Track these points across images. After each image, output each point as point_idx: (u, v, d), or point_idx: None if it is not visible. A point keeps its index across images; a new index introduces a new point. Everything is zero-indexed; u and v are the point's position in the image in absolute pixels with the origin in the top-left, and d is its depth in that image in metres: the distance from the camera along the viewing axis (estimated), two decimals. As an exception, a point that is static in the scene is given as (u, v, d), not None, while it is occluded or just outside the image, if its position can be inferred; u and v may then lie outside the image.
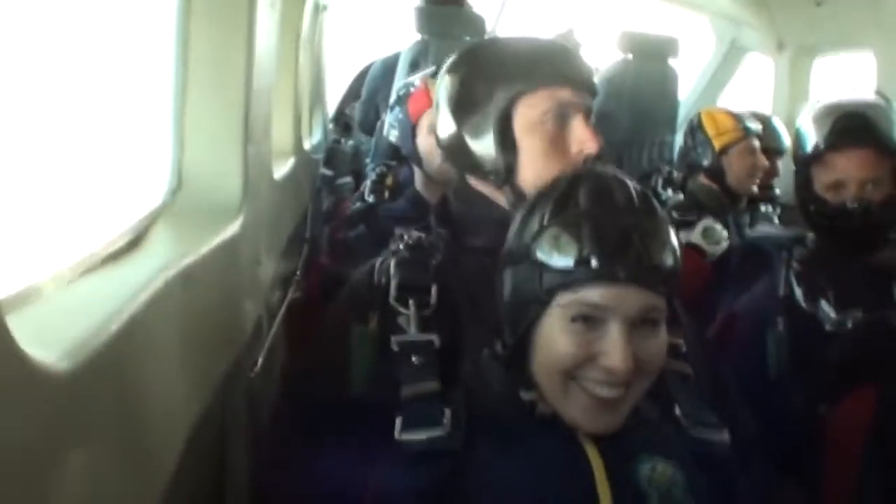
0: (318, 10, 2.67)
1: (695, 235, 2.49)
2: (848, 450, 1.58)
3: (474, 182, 1.38)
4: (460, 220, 1.40)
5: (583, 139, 1.31)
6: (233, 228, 1.12)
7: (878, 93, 1.93)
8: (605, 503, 1.03)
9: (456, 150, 1.37)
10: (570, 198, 1.09)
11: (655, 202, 1.13)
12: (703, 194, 2.72)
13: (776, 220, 2.86)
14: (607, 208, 1.07)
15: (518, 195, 1.33)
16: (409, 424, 1.10)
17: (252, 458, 1.31)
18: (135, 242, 0.94)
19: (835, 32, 3.01)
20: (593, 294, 1.03)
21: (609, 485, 1.04)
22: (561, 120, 1.31)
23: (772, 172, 2.92)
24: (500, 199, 1.35)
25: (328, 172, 3.34)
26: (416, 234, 1.38)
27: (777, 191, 3.00)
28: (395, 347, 1.20)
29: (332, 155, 3.46)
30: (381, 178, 2.69)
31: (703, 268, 2.44)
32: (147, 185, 1.14)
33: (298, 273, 2.09)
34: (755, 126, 2.74)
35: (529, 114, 1.32)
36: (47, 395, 0.55)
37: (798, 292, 1.78)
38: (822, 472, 1.60)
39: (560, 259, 1.05)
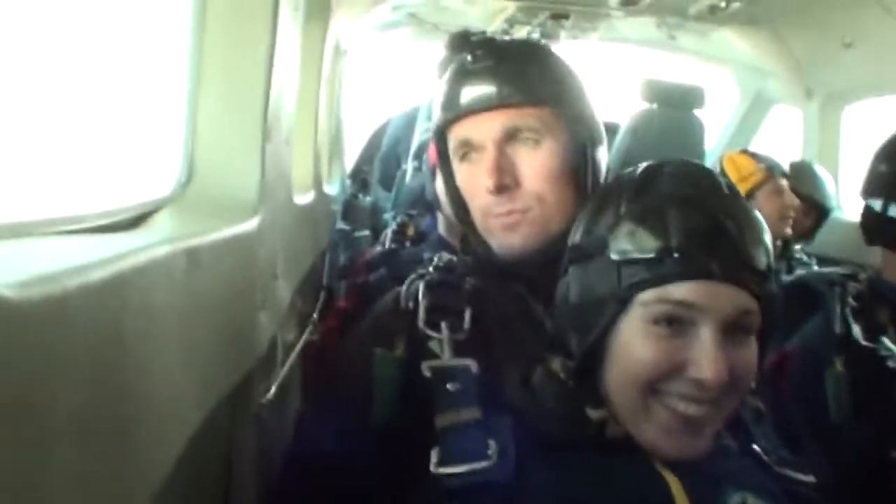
0: (338, 53, 2.62)
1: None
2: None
3: None
4: (487, 251, 1.29)
5: (482, 177, 1.17)
6: (248, 226, 1.00)
7: None
8: None
9: None
10: (650, 183, 0.95)
11: None
12: (733, 243, 2.58)
13: (815, 268, 2.72)
14: (694, 193, 0.93)
15: (475, 234, 1.26)
16: (448, 457, 0.94)
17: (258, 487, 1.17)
18: (136, 222, 0.83)
19: (866, 77, 2.92)
20: (682, 291, 0.88)
21: None
22: (469, 157, 1.21)
23: (808, 219, 2.81)
24: None
25: (345, 227, 3.25)
26: (446, 256, 1.27)
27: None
28: (426, 373, 1.04)
29: (349, 209, 3.39)
30: (402, 227, 2.61)
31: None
32: (158, 179, 1.04)
33: (315, 315, 1.97)
34: (778, 165, 2.64)
35: (451, 151, 1.25)
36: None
37: (856, 329, 1.64)
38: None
39: (642, 251, 0.90)
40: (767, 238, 0.95)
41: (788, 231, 2.61)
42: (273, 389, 1.19)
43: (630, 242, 0.92)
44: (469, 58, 1.21)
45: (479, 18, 3.54)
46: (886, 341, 1.60)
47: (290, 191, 1.43)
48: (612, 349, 0.94)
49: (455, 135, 1.22)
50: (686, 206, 0.91)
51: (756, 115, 3.80)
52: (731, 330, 0.89)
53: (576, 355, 0.97)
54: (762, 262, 0.91)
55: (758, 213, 0.96)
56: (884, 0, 2.45)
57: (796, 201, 2.63)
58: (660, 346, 0.89)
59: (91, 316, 0.53)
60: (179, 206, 0.98)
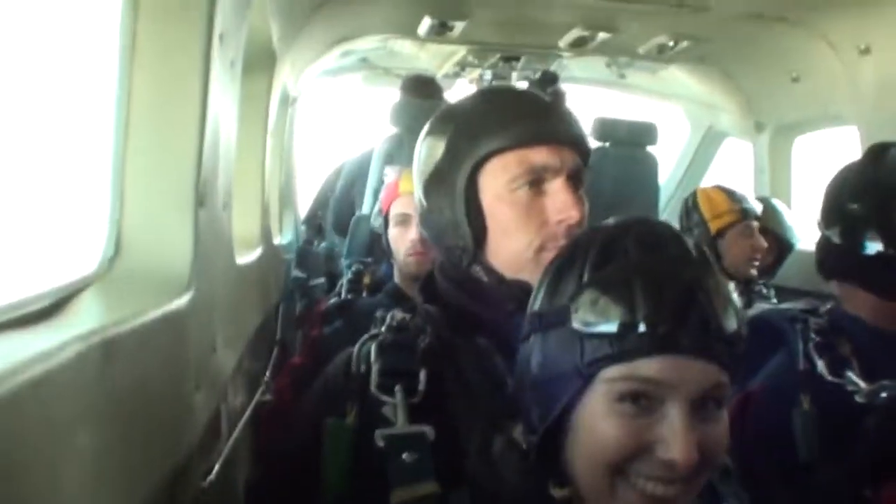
0: (286, 101, 2.57)
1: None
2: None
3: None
4: (449, 299, 1.23)
5: (561, 207, 1.12)
6: (179, 303, 0.94)
7: None
8: None
9: (429, 226, 1.23)
10: (616, 247, 0.89)
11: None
12: (697, 277, 2.57)
13: (774, 302, 2.72)
14: (663, 260, 0.87)
15: (490, 274, 1.17)
16: None
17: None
18: (52, 310, 0.76)
19: (814, 110, 2.95)
20: (649, 367, 0.82)
21: None
22: (535, 186, 1.14)
23: (771, 254, 2.80)
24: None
25: (300, 275, 3.18)
26: (399, 314, 1.21)
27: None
28: (380, 443, 0.98)
29: (304, 256, 3.31)
30: (357, 275, 2.55)
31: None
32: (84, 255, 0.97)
33: (268, 374, 1.89)
34: (753, 207, 2.63)
35: (496, 182, 1.15)
36: None
37: (820, 365, 1.61)
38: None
39: (606, 323, 0.83)
40: (735, 298, 0.89)
41: (754, 273, 2.62)
42: (217, 468, 1.12)
43: (593, 313, 0.85)
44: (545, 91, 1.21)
45: (430, 62, 3.54)
46: (852, 375, 1.57)
47: (232, 255, 1.36)
48: (575, 427, 0.87)
49: (522, 158, 1.14)
50: (654, 275, 0.85)
51: (708, 148, 3.84)
52: (701, 403, 0.84)
53: (537, 431, 0.91)
54: (732, 327, 0.85)
55: (722, 278, 0.91)
56: (828, 36, 2.49)
57: (764, 244, 2.63)
58: (625, 426, 0.83)
59: None
60: (105, 284, 0.92)
